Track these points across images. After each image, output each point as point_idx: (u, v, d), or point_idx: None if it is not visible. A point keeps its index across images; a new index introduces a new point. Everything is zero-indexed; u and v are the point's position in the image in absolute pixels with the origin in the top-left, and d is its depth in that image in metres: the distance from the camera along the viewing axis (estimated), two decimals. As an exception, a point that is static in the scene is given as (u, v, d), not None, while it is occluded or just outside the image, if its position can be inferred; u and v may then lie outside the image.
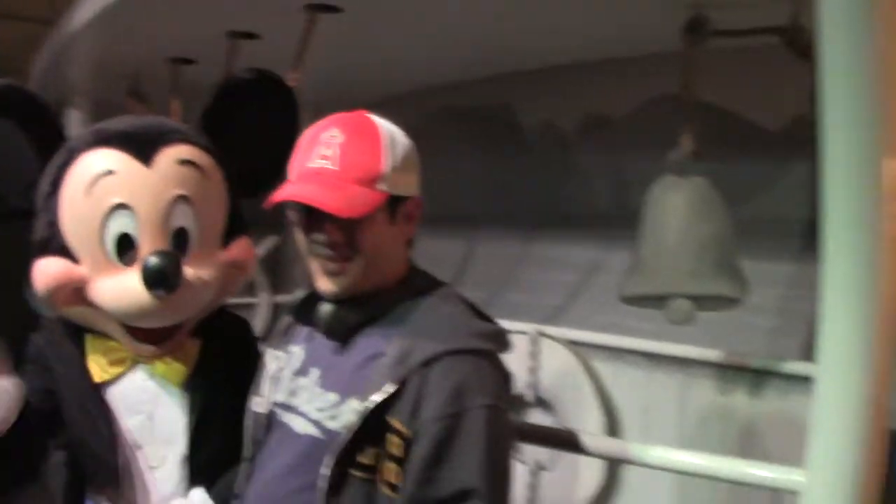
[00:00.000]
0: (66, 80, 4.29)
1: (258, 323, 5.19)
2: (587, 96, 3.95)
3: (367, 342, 1.77)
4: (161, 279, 1.97)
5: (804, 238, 1.75)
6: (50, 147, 2.13)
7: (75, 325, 2.13)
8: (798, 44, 2.23)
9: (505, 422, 1.73)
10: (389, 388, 1.66)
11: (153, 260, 1.93)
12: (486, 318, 1.89)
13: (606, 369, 3.74)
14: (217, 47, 3.32)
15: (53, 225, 2.00)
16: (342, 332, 1.79)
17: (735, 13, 2.44)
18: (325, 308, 1.80)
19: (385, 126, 1.82)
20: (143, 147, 2.04)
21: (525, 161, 4.33)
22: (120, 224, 2.01)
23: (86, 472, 2.13)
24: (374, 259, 1.79)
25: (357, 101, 4.97)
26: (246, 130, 2.25)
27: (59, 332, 2.15)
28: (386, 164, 1.74)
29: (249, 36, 3.32)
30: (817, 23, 1.60)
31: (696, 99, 2.65)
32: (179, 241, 2.07)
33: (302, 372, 1.86)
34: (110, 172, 2.01)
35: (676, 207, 2.61)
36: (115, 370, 2.12)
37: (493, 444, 1.66)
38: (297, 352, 1.90)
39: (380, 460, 1.71)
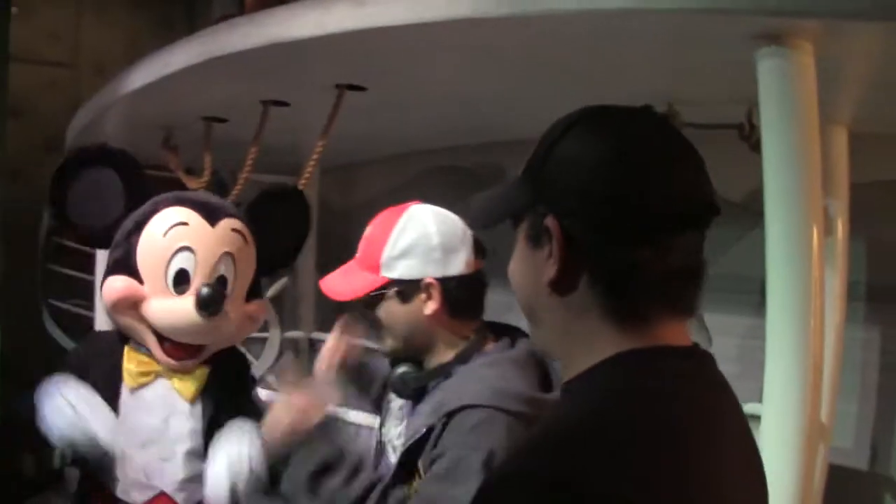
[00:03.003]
0: (102, 131, 4.59)
1: (269, 355, 5.56)
2: None
3: (426, 403, 2.11)
4: (210, 303, 2.67)
5: (760, 294, 2.13)
6: (137, 197, 2.77)
7: (118, 340, 2.82)
8: (750, 139, 2.62)
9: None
10: (420, 433, 2.00)
11: (206, 290, 2.61)
12: (547, 385, 2.09)
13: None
14: (249, 111, 3.63)
15: (130, 254, 2.71)
16: (407, 393, 2.17)
17: (702, 109, 2.83)
18: (393, 373, 2.18)
19: (408, 217, 2.15)
20: (211, 212, 2.83)
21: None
22: (182, 261, 2.75)
23: (102, 465, 2.70)
24: (393, 330, 2.16)
25: (361, 158, 5.37)
26: (272, 224, 3.06)
27: (101, 345, 2.86)
28: (385, 252, 2.11)
29: (280, 104, 3.62)
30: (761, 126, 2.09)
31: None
32: (220, 285, 2.79)
33: (401, 419, 2.26)
34: (184, 223, 2.77)
35: None
36: (143, 379, 2.77)
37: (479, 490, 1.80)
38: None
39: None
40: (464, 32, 2.48)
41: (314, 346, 5.73)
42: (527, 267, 1.32)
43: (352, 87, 3.24)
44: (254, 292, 2.99)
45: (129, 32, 7.12)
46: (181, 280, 2.74)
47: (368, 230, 2.21)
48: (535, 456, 1.16)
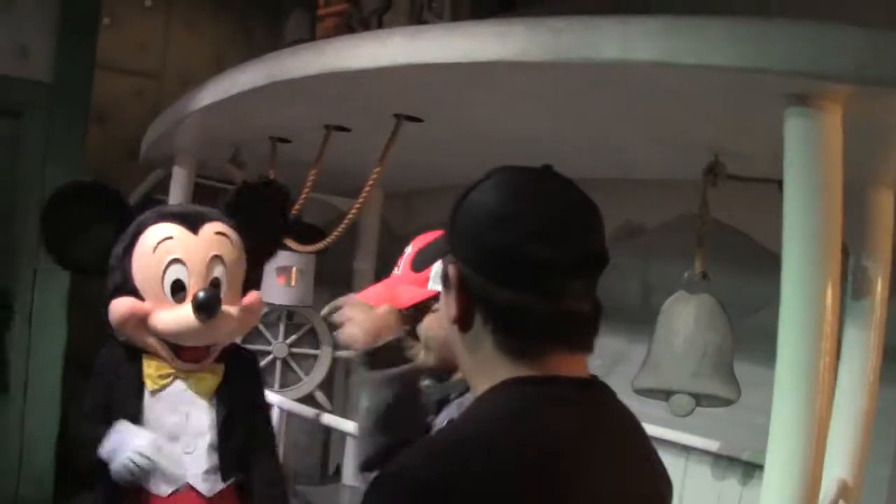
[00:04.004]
0: (174, 143, 4.73)
1: (319, 372, 5.66)
2: (628, 207, 4.33)
3: (441, 416, 2.10)
4: (207, 307, 2.88)
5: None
6: (122, 225, 3.07)
7: (133, 348, 3.02)
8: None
9: None
10: None
11: (202, 294, 2.78)
12: None
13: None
14: (313, 133, 3.75)
15: (126, 275, 2.89)
16: (430, 408, 2.18)
17: (750, 162, 2.85)
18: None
19: None
20: (192, 222, 3.04)
21: (569, 255, 4.58)
22: (175, 272, 2.97)
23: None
24: (429, 344, 2.16)
25: (420, 186, 5.46)
26: (253, 218, 3.27)
27: (121, 353, 3.04)
28: (435, 267, 2.12)
29: (342, 129, 3.73)
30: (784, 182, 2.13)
31: (713, 224, 3.06)
32: (214, 288, 3.00)
33: None
34: (170, 238, 2.99)
35: (685, 318, 2.99)
36: (163, 382, 3.01)
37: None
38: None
39: None
40: (511, 74, 2.55)
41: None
42: (443, 306, 1.49)
43: (409, 118, 3.31)
44: (248, 284, 3.22)
45: (215, 46, 7.29)
46: (178, 289, 2.90)
47: (412, 248, 2.25)
48: (414, 460, 1.32)
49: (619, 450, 1.43)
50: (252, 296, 3.13)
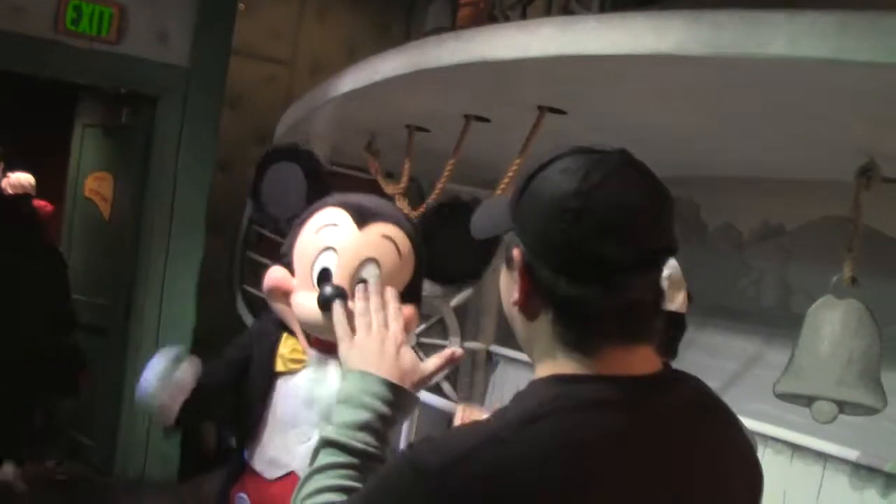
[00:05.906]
0: (310, 128, 4.78)
1: (447, 362, 5.68)
2: (766, 207, 4.25)
3: None
4: (326, 304, 2.72)
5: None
6: (317, 195, 3.01)
7: (279, 324, 2.95)
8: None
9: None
10: None
11: (327, 290, 2.71)
12: None
13: (752, 452, 3.96)
14: (451, 123, 3.71)
15: (291, 247, 2.85)
16: None
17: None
18: None
19: None
20: (363, 216, 2.88)
21: (703, 255, 4.57)
22: (326, 260, 2.84)
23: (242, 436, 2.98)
24: None
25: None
26: (451, 237, 3.05)
27: (270, 325, 3.00)
28: None
29: (481, 119, 3.69)
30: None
31: (863, 228, 2.98)
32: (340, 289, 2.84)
33: None
34: (334, 225, 2.87)
35: (832, 324, 2.92)
36: (292, 366, 2.92)
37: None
38: None
39: None
40: (666, 68, 2.50)
41: (492, 359, 5.84)
42: (504, 283, 1.46)
43: (552, 110, 3.28)
44: (409, 297, 3.01)
45: (347, 35, 7.36)
46: (324, 277, 2.85)
47: None
48: (430, 443, 1.32)
49: (682, 447, 1.37)
50: (405, 310, 3.03)
